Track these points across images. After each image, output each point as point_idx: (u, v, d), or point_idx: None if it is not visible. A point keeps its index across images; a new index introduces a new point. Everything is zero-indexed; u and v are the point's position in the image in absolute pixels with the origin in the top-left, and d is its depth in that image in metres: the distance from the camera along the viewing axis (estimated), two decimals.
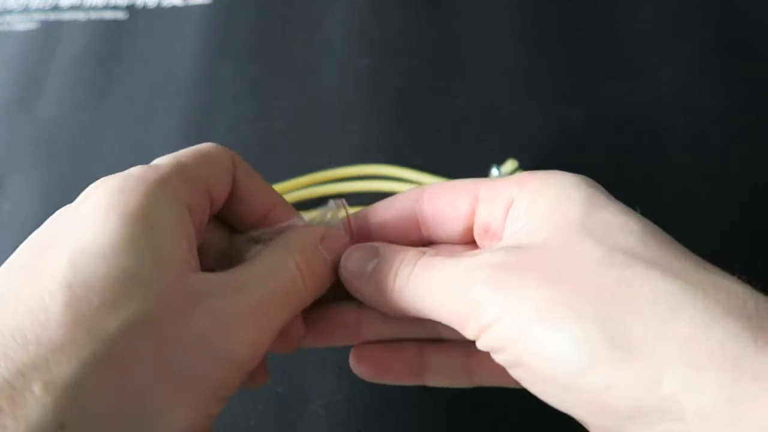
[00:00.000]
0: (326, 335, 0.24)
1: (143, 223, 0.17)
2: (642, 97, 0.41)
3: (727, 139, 0.39)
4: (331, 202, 0.24)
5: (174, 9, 0.47)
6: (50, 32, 0.46)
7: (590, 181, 0.20)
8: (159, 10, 0.47)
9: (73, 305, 0.16)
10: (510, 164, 0.36)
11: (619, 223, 0.18)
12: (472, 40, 0.44)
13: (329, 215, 0.24)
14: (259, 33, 0.45)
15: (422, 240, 0.23)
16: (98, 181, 0.19)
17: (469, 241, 0.23)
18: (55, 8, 0.47)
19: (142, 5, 0.47)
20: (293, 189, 0.36)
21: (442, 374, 0.24)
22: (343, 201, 0.24)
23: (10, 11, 0.48)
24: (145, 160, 0.20)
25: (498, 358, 0.19)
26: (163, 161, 0.20)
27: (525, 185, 0.21)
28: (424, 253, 0.21)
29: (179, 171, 0.20)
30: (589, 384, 0.16)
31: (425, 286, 0.20)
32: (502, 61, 0.43)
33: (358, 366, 0.24)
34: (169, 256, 0.18)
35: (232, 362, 0.18)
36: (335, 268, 0.22)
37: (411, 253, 0.21)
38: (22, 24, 0.47)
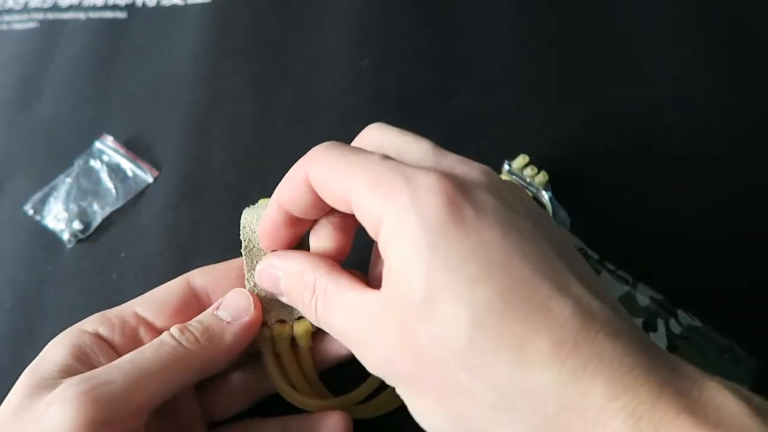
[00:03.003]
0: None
1: None
2: (642, 97, 0.41)
3: (727, 139, 0.39)
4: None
5: (174, 8, 0.47)
6: (50, 32, 0.46)
7: (451, 185, 0.20)
8: (159, 9, 0.47)
9: None
10: (521, 159, 0.36)
11: (462, 256, 0.18)
12: (472, 40, 0.44)
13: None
14: (259, 33, 0.45)
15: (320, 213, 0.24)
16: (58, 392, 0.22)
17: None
18: (55, 8, 0.47)
19: (141, 4, 0.47)
20: None
21: None
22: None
23: (9, 11, 0.48)
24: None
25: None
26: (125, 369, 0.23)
27: (391, 202, 0.20)
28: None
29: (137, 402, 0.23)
30: None
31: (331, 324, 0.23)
32: (502, 61, 0.43)
33: None
34: None
35: None
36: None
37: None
38: (21, 23, 0.47)
